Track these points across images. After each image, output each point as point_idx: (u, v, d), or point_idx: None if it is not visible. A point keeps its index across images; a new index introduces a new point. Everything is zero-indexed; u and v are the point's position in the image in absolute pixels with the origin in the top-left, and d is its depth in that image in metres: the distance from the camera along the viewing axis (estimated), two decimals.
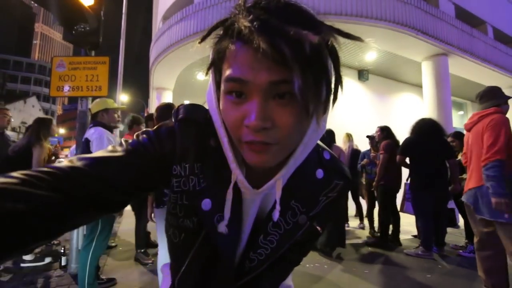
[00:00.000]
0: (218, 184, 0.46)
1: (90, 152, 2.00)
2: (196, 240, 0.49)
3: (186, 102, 0.52)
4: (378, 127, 3.94)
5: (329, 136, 3.68)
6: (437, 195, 3.12)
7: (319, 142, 0.51)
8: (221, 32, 0.39)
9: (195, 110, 0.48)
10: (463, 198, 2.09)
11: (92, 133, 2.08)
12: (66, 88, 2.77)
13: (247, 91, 0.36)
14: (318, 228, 0.54)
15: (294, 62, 0.32)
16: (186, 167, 0.46)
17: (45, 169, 0.36)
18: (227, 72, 0.37)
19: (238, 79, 0.36)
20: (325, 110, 0.39)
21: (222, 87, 0.39)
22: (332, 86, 0.39)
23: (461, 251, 3.34)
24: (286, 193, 0.46)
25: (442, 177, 3.15)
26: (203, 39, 0.40)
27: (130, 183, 0.42)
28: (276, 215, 0.45)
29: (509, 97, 2.05)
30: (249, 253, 0.49)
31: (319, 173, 0.51)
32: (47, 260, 2.79)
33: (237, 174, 0.43)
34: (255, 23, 0.33)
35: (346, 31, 0.36)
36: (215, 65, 0.41)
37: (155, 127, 0.48)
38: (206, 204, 0.46)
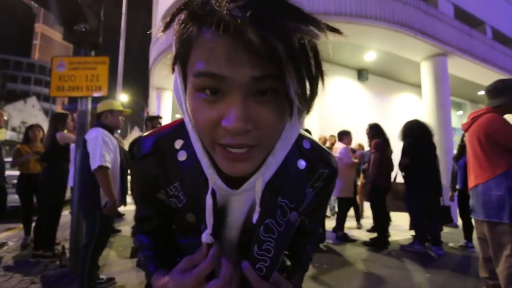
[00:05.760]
0: (195, 194, 0.44)
1: (87, 152, 2.01)
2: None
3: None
4: (368, 124, 3.84)
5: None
6: (432, 194, 3.30)
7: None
8: (185, 17, 0.32)
9: (146, 142, 0.46)
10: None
11: (89, 133, 2.09)
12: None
13: (224, 88, 0.31)
14: (307, 223, 0.52)
15: (287, 58, 0.28)
16: (167, 190, 0.47)
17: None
18: (198, 66, 0.31)
19: (213, 74, 0.30)
20: (309, 108, 0.35)
21: (191, 83, 0.33)
22: (318, 83, 0.35)
23: (459, 249, 3.39)
24: (270, 190, 0.42)
25: (437, 177, 3.35)
26: (166, 26, 0.34)
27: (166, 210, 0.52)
28: (255, 217, 0.41)
29: None
30: None
31: (301, 164, 0.46)
32: (47, 259, 2.79)
33: (214, 180, 0.41)
34: (240, 11, 0.27)
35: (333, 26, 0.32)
36: (180, 58, 0.35)
37: (132, 164, 0.51)
38: (190, 218, 0.46)
